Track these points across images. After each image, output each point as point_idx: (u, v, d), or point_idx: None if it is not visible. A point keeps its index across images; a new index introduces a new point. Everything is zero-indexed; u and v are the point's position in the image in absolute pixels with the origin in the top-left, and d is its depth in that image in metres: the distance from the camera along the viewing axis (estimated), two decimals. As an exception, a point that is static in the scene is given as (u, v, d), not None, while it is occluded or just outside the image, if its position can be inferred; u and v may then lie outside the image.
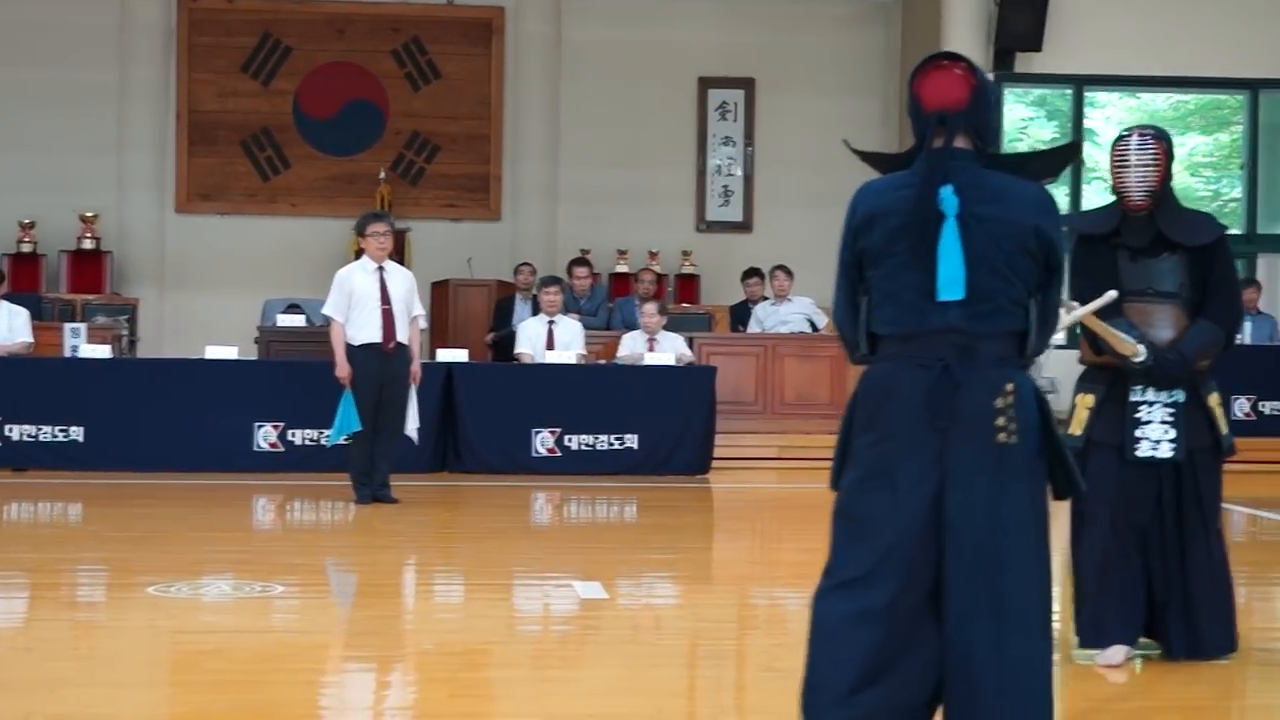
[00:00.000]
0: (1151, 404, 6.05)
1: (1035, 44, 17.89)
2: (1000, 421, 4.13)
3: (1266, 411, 16.00)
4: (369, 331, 11.26)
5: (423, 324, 11.87)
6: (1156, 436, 6.05)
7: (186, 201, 19.78)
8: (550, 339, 14.20)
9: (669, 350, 14.36)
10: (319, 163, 20.01)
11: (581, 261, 17.13)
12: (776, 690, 5.84)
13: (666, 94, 20.33)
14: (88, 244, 19.13)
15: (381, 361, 11.22)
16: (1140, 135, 6.10)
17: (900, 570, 4.15)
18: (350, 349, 11.25)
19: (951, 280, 4.18)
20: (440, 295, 17.73)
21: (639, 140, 20.28)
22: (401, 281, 11.46)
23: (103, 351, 13.80)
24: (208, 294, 19.27)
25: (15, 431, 13.25)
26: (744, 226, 20.61)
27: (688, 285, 19.76)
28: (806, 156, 20.31)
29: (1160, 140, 6.09)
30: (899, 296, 4.27)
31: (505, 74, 20.30)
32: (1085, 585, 6.16)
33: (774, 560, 9.83)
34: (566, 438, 13.70)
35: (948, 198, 4.19)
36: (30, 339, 14.01)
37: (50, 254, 19.09)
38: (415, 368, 11.51)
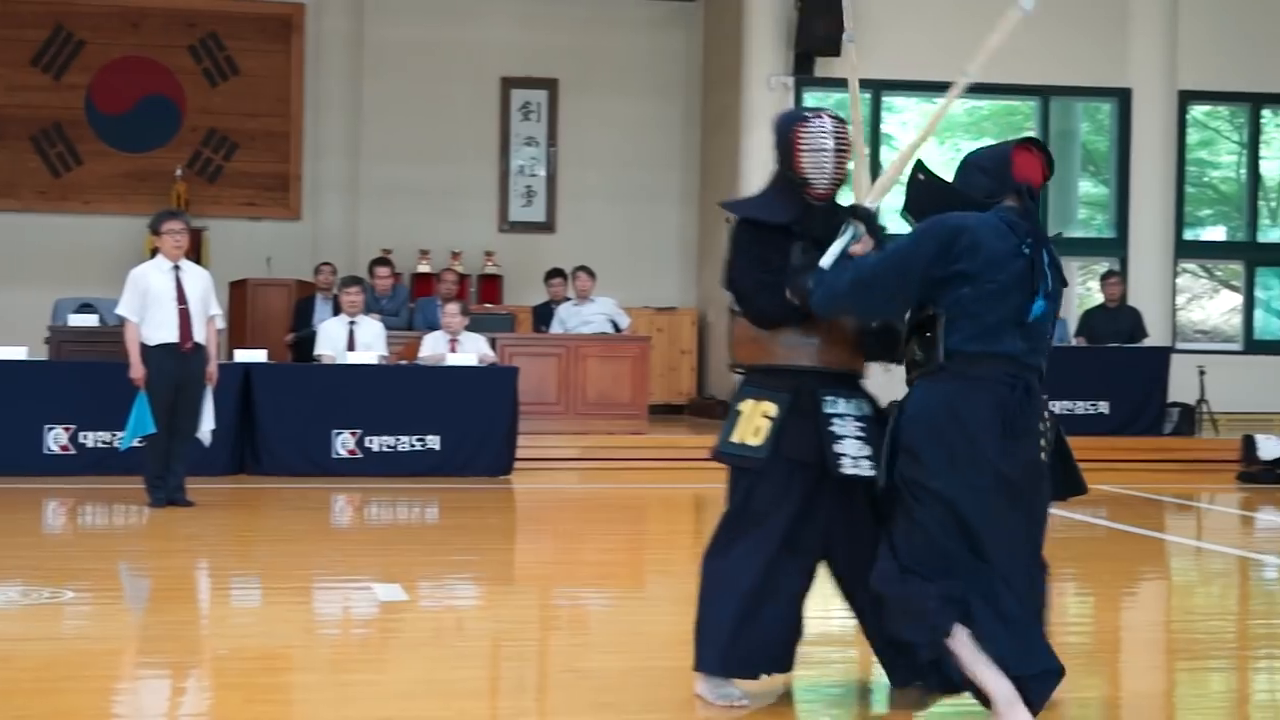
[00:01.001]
0: (844, 417, 5.58)
1: (834, 49, 18.12)
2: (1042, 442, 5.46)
3: (1058, 411, 16.36)
4: (165, 332, 11.08)
5: (220, 324, 11.69)
6: (854, 452, 5.53)
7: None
8: (351, 340, 14.08)
9: (471, 351, 14.32)
10: (112, 159, 19.63)
11: (383, 261, 17.01)
12: (578, 690, 5.86)
13: (470, 94, 20.28)
14: None
15: (178, 362, 11.04)
16: (831, 119, 5.67)
17: None
18: (145, 349, 11.06)
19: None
20: (239, 295, 17.49)
21: (442, 140, 20.21)
22: (198, 281, 11.29)
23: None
24: (-3, 292, 18.82)
25: None
26: (547, 227, 20.63)
27: (490, 285, 19.73)
28: (609, 157, 20.42)
29: (846, 126, 5.73)
30: (990, 322, 5.21)
31: (305, 71, 20.09)
32: (723, 605, 5.59)
33: (575, 561, 9.85)
34: (368, 439, 13.59)
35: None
36: None
37: None
38: (212, 369, 11.35)
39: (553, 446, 14.91)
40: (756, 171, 18.43)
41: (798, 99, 18.70)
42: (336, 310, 14.80)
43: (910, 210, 5.50)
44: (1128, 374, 16.64)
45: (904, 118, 20.03)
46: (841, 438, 5.54)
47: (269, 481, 13.18)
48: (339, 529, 11.21)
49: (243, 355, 14.01)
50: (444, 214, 20.05)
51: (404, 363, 14.60)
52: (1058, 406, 16.33)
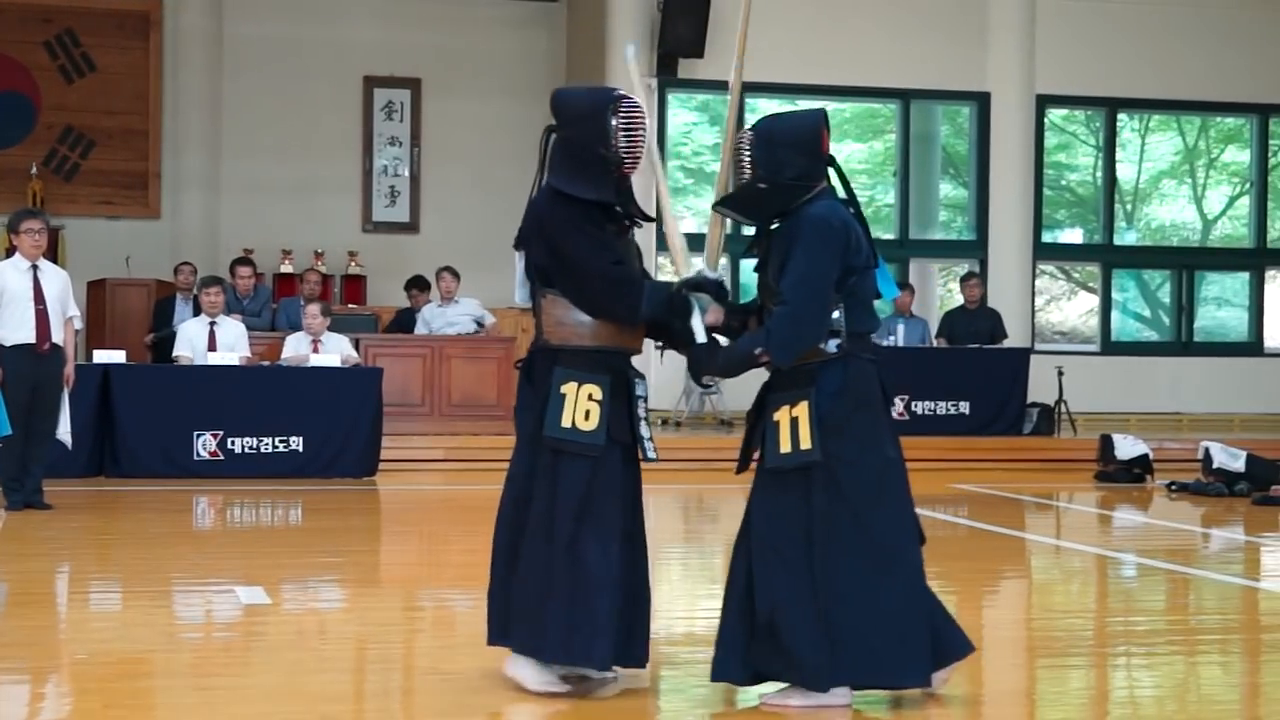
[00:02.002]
0: (642, 399, 5.73)
1: (698, 50, 18.23)
2: None
3: (919, 411, 16.59)
4: (22, 332, 10.90)
5: (78, 325, 11.52)
6: (649, 435, 5.74)
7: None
8: (212, 340, 13.92)
9: (334, 352, 14.21)
10: (-34, 156, 19.25)
11: (244, 261, 16.83)
12: (442, 692, 5.84)
13: (332, 92, 20.15)
14: None
15: (34, 363, 10.86)
16: (637, 103, 5.72)
17: None
18: (1, 350, 10.87)
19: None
20: (97, 295, 17.22)
21: (304, 139, 20.05)
22: (56, 281, 11.12)
23: None
24: None
25: None
26: (411, 227, 20.53)
27: (354, 286, 19.59)
28: (473, 157, 20.38)
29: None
30: (868, 302, 5.57)
31: (164, 68, 19.83)
32: (603, 594, 5.54)
33: (440, 562, 9.82)
34: (229, 440, 13.45)
35: None
36: None
37: None
38: (69, 370, 11.18)
39: (417, 448, 14.85)
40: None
41: (661, 100, 18.77)
42: (197, 310, 14.62)
43: (737, 208, 5.67)
44: (988, 375, 16.88)
45: (768, 120, 20.15)
46: (643, 420, 5.70)
47: (129, 484, 13.00)
48: (201, 531, 11.08)
49: (102, 356, 13.81)
50: (307, 214, 19.89)
51: (266, 364, 14.46)
52: (919, 407, 16.53)
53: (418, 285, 17.35)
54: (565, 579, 5.53)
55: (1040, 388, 17.35)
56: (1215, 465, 13.99)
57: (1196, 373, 20.50)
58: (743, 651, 5.51)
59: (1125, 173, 21.24)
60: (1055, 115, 20.80)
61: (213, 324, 14.03)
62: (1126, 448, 15.09)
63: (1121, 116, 20.88)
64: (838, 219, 5.47)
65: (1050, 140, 20.71)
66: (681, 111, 19.73)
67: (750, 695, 5.70)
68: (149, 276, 17.65)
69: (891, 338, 17.01)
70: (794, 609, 5.37)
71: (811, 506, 5.40)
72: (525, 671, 5.65)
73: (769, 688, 5.61)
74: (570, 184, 5.67)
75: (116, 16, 19.77)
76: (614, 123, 5.64)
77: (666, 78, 18.61)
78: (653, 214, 6.10)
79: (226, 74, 19.93)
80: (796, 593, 5.38)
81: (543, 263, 5.68)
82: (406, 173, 20.62)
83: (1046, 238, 20.50)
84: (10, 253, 11.39)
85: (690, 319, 5.57)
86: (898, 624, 5.42)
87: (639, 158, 5.71)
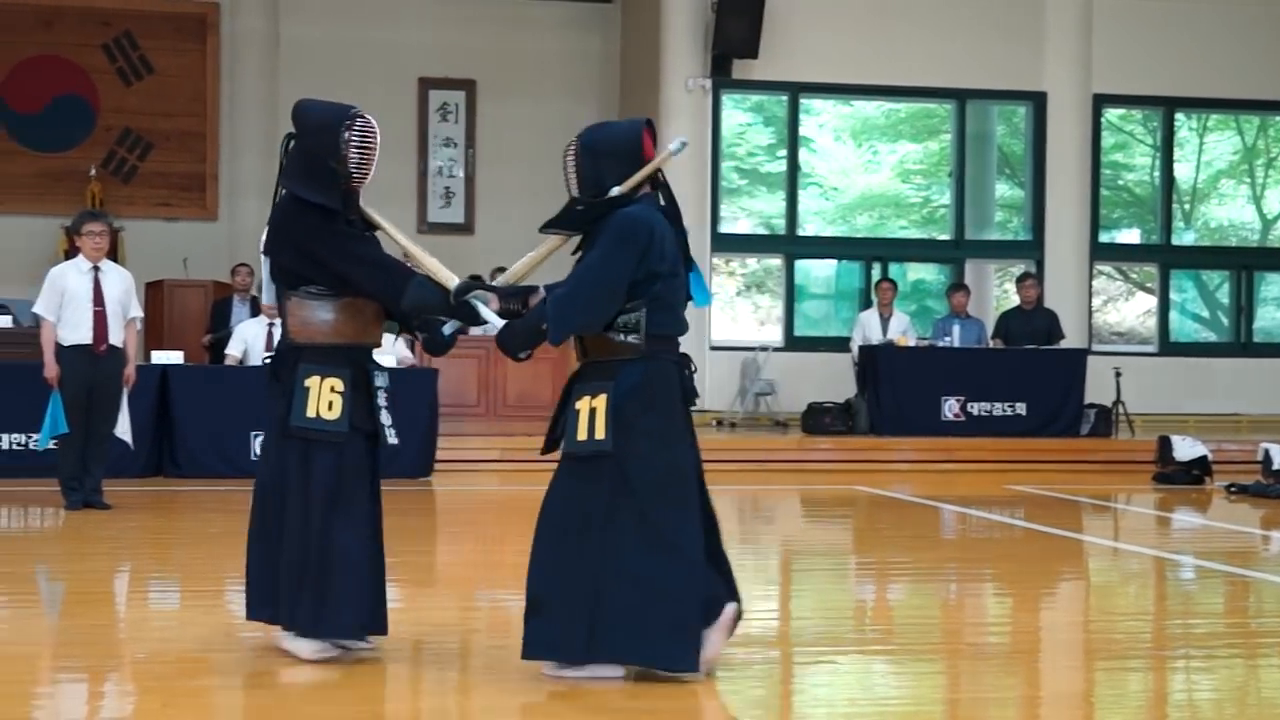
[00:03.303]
0: (381, 389, 6.23)
1: (752, 51, 18.20)
2: None
3: (975, 412, 16.52)
4: (80, 333, 10.99)
5: (140, 326, 11.61)
6: (389, 422, 6.23)
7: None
8: (270, 340, 13.98)
9: (390, 353, 14.24)
10: (26, 159, 19.42)
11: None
12: (498, 693, 5.85)
13: (387, 94, 20.17)
14: None
15: (92, 363, 10.94)
16: (372, 118, 6.25)
17: None
18: (60, 350, 10.96)
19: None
20: (155, 296, 17.33)
21: (359, 140, 20.09)
22: (118, 283, 11.20)
23: None
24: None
25: None
26: (465, 228, 20.58)
27: (407, 288, 19.60)
28: (527, 158, 20.38)
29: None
30: (674, 306, 5.85)
31: (221, 71, 19.94)
32: (356, 572, 6.07)
33: (496, 562, 9.83)
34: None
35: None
36: None
37: None
38: (129, 370, 11.26)
39: (473, 448, 14.88)
40: (676, 174, 18.43)
41: (715, 101, 18.75)
42: (254, 311, 14.68)
43: (561, 226, 6.15)
44: (1044, 376, 16.79)
45: (821, 120, 20.10)
46: (383, 409, 6.20)
47: (187, 484, 13.08)
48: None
49: (160, 356, 13.90)
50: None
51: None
52: (976, 408, 16.47)
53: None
54: (318, 560, 6.00)
55: (1098, 389, 17.25)
56: (1275, 466, 13.90)
57: (1255, 373, 20.34)
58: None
59: (1183, 172, 21.10)
60: (1112, 115, 20.68)
61: (270, 325, 14.09)
62: (1185, 449, 14.98)
63: (1179, 116, 20.74)
64: (644, 222, 5.79)
65: (1107, 140, 20.58)
66: (735, 112, 19.70)
67: (817, 697, 5.69)
68: (206, 278, 17.75)
69: (948, 339, 16.95)
70: (561, 587, 5.76)
71: (598, 493, 5.75)
72: (299, 645, 6.12)
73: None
74: (303, 189, 6.12)
75: (174, 19, 19.90)
76: (345, 137, 6.14)
77: (720, 78, 18.58)
78: (374, 222, 6.39)
79: (282, 76, 20.02)
80: (567, 571, 5.76)
81: (291, 266, 6.15)
82: (461, 174, 20.67)
83: (1104, 238, 20.38)
84: (69, 254, 11.48)
85: (480, 315, 6.05)
86: (671, 612, 5.70)
87: (367, 173, 6.20)
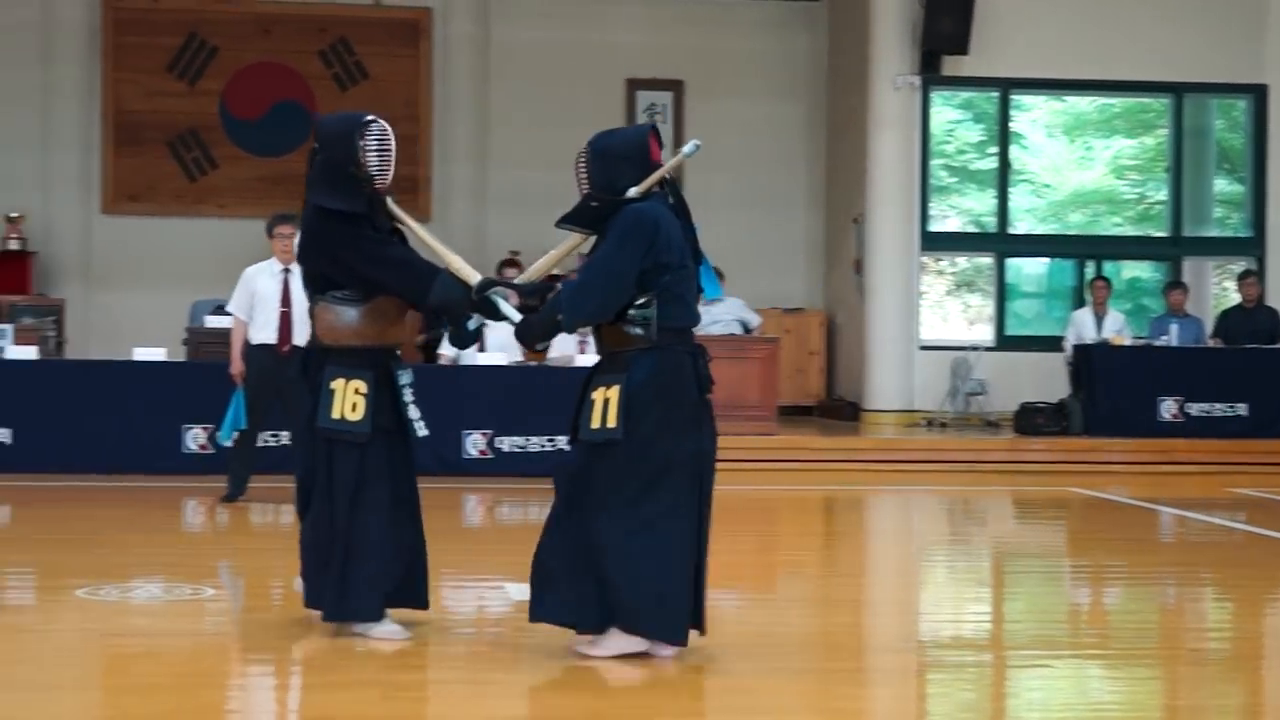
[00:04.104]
0: (406, 386, 6.66)
1: (962, 47, 17.98)
2: None
3: (1194, 413, 16.17)
4: (266, 333, 11.24)
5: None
6: (417, 416, 6.67)
7: (113, 202, 19.62)
8: (482, 342, 14.14)
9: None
10: (247, 163, 19.89)
11: (512, 263, 17.09)
12: (710, 691, 5.86)
13: (595, 96, 20.31)
14: (13, 245, 18.96)
15: (275, 363, 11.02)
16: (384, 123, 6.60)
17: None
18: (248, 348, 11.25)
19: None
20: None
21: (568, 142, 19.89)
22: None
23: (29, 353, 13.66)
24: (135, 295, 19.10)
25: (-60, 434, 13.12)
26: (673, 228, 20.60)
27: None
28: (735, 158, 20.36)
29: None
30: (684, 298, 6.17)
31: (433, 75, 20.25)
32: (375, 562, 6.48)
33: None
34: (498, 440, 13.67)
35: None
36: (-45, 340, 13.89)
37: (-26, 255, 18.94)
38: None
39: (680, 447, 14.87)
40: (884, 172, 18.35)
41: (924, 98, 18.58)
42: (466, 312, 14.83)
43: (575, 222, 6.36)
44: (1267, 375, 16.35)
45: (1034, 116, 19.82)
46: (409, 404, 6.62)
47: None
48: (471, 528, 11.30)
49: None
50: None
51: (534, 364, 14.67)
52: (1194, 409, 16.12)
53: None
54: (341, 550, 6.42)
55: (1322, 388, 16.75)
56: None
57: None
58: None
59: None
60: (1336, 107, 20.06)
61: (483, 325, 14.24)
62: None
63: None
64: (649, 217, 6.14)
65: (1331, 133, 19.97)
66: (945, 109, 19.49)
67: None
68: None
69: (1165, 337, 16.61)
70: (567, 559, 6.13)
71: (605, 475, 6.07)
72: (372, 630, 6.52)
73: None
74: (328, 199, 6.50)
75: (388, 25, 20.25)
76: (361, 144, 6.51)
77: (930, 75, 18.41)
78: (400, 222, 6.71)
79: (493, 80, 20.25)
80: (571, 545, 6.12)
81: (322, 272, 6.54)
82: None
83: (1329, 233, 19.79)
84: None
85: (500, 311, 6.38)
86: (657, 588, 6.05)
87: (387, 175, 6.55)
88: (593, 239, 6.39)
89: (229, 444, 11.55)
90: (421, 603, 6.76)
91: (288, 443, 12.12)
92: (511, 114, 20.18)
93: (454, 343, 6.95)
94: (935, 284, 20.26)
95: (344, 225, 6.46)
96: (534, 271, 6.66)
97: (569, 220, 6.38)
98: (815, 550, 10.49)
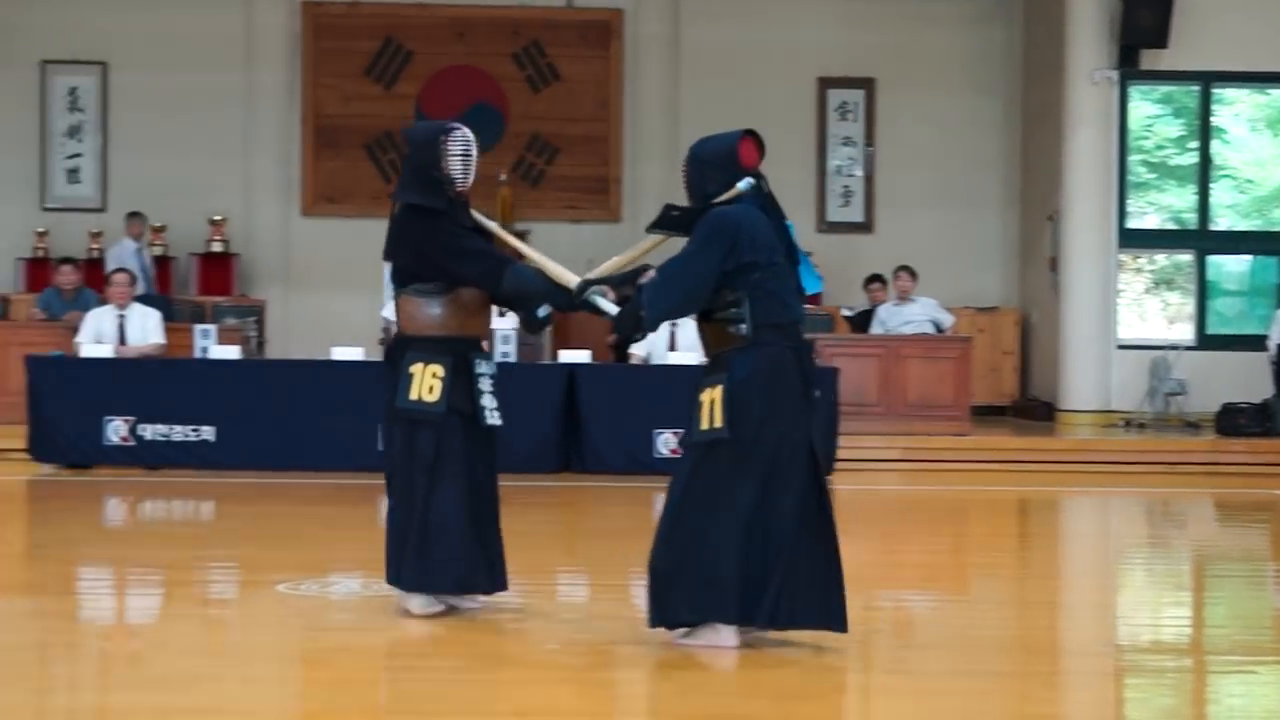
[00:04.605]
0: (484, 375, 7.05)
1: (1160, 40, 17.64)
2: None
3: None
4: None
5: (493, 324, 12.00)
6: (492, 404, 7.03)
7: (312, 204, 20.03)
8: (673, 340, 14.19)
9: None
10: (441, 165, 20.14)
11: (879, 277, 17.05)
12: (905, 693, 5.83)
13: (786, 94, 20.27)
14: (216, 247, 19.44)
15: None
16: (470, 131, 7.03)
17: None
18: None
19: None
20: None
21: (759, 141, 20.21)
22: None
23: (232, 352, 13.99)
24: (333, 295, 19.45)
25: (148, 431, 13.46)
26: (865, 227, 20.51)
27: (809, 286, 19.63)
28: (927, 157, 20.21)
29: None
30: (780, 294, 6.33)
31: (624, 75, 20.35)
32: (453, 536, 6.87)
33: (898, 563, 9.78)
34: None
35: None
36: (163, 341, 14.28)
37: (180, 257, 19.44)
38: None
39: (873, 447, 14.82)
40: (1081, 168, 18.07)
41: (1122, 93, 18.26)
42: (657, 311, 14.87)
43: (663, 227, 6.59)
44: None
45: (1236, 109, 19.38)
46: (484, 393, 7.01)
47: (593, 480, 13.38)
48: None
49: (567, 356, 14.23)
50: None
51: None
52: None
53: (877, 280, 17.27)
54: (420, 526, 6.83)
55: None
56: None
57: None
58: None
59: None
60: None
61: (674, 325, 14.29)
62: None
63: None
64: (731, 219, 6.30)
65: None
66: (1143, 104, 19.12)
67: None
68: (611, 279, 18.12)
69: None
70: (684, 561, 6.23)
71: (719, 474, 6.24)
72: (410, 600, 6.96)
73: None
74: (413, 196, 7.00)
75: (580, 26, 20.39)
76: (444, 149, 6.96)
77: (1127, 70, 18.08)
78: (486, 226, 7.16)
79: (683, 79, 20.29)
80: (689, 546, 6.24)
81: (407, 266, 7.01)
82: (860, 173, 20.62)
83: None
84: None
85: (601, 308, 6.65)
86: (706, 571, 6.22)
87: (468, 179, 6.99)
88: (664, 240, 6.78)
89: None
90: (500, 585, 7.15)
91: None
92: (702, 113, 20.14)
93: (525, 327, 7.36)
94: (1133, 282, 19.88)
95: (426, 220, 6.95)
96: (606, 269, 6.98)
97: (657, 226, 6.62)
98: (1010, 552, 10.37)
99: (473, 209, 7.12)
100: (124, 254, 17.91)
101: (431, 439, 6.90)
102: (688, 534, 6.27)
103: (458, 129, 7.02)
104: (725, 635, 6.28)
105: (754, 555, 6.20)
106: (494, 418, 7.07)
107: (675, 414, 13.52)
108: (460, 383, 6.95)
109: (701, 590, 6.23)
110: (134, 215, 18.49)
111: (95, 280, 16.61)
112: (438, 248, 6.93)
